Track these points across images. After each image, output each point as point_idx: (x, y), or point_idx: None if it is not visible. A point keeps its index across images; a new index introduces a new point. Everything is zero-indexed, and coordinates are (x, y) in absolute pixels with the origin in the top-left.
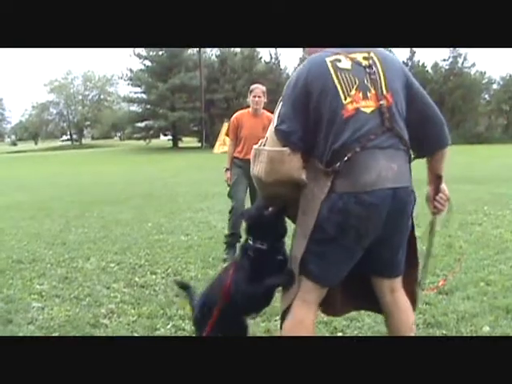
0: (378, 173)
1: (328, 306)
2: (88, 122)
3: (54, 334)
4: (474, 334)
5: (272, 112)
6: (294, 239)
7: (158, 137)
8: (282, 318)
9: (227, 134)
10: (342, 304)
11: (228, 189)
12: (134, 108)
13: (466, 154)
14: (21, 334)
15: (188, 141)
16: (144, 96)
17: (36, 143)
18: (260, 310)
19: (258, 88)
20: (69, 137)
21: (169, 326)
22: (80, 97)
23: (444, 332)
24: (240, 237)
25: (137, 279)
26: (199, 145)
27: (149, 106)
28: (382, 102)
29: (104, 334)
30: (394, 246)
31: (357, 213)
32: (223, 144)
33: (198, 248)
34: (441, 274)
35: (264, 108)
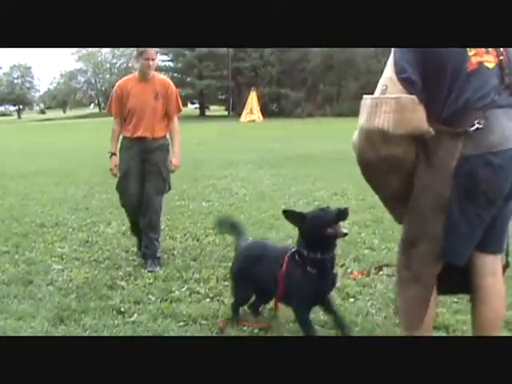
0: (501, 133)
1: None
2: None
3: (71, 296)
4: None
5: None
6: (412, 217)
7: (185, 105)
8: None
9: (110, 111)
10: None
11: (116, 180)
12: (162, 76)
13: None
14: (40, 296)
15: (215, 109)
16: (171, 64)
17: (64, 111)
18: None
19: (152, 49)
20: (97, 105)
21: (184, 289)
22: (108, 65)
23: (455, 300)
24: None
25: None
26: (226, 113)
27: (176, 74)
28: (501, 58)
29: (120, 296)
30: (507, 215)
31: (485, 176)
32: (250, 113)
33: (219, 214)
34: None
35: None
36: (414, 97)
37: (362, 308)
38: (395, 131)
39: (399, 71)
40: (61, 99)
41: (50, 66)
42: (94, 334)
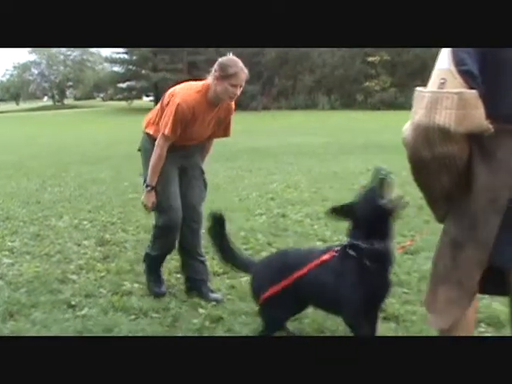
0: None
1: None
2: (70, 83)
3: (21, 290)
4: None
5: None
6: (463, 219)
7: (140, 98)
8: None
9: (167, 130)
10: None
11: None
12: (117, 68)
13: None
14: None
15: None
16: (126, 56)
17: (17, 104)
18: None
19: (244, 74)
20: (51, 97)
21: (136, 285)
22: (62, 57)
23: (405, 290)
24: None
25: (108, 236)
26: None
27: (131, 67)
28: None
29: (71, 290)
30: None
31: None
32: None
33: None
34: (409, 234)
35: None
36: (476, 91)
37: None
38: (457, 129)
39: (459, 63)
40: (14, 91)
41: (2, 57)
42: (44, 329)
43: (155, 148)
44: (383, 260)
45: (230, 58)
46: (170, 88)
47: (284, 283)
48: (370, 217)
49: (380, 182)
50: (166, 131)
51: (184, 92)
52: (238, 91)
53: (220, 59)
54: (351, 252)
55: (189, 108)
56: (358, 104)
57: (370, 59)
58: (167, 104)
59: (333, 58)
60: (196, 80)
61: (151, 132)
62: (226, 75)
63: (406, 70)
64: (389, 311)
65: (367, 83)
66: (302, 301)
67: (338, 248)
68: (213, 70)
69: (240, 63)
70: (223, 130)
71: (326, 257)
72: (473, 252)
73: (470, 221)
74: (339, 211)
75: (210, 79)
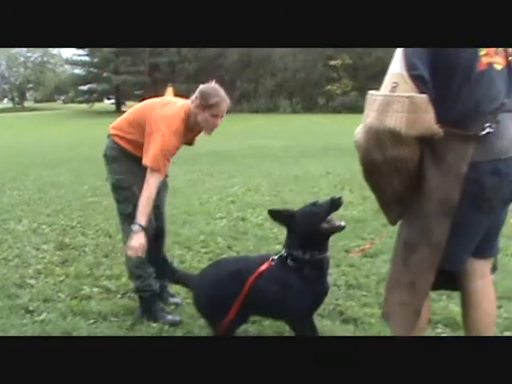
0: (509, 139)
1: None
2: (30, 85)
3: None
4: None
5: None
6: (415, 221)
7: (101, 100)
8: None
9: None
10: None
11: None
12: (78, 71)
13: None
14: None
15: (131, 105)
16: (87, 59)
17: None
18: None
19: (226, 104)
20: (11, 99)
21: (95, 289)
22: (22, 58)
23: (364, 293)
24: None
25: (67, 240)
26: None
27: (92, 69)
28: (511, 59)
29: (29, 295)
30: (501, 220)
31: (492, 184)
32: None
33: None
34: (368, 237)
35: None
36: (426, 96)
37: None
38: (408, 132)
39: (410, 68)
40: None
41: None
42: (1, 334)
43: (147, 186)
44: (322, 268)
45: (212, 86)
46: (130, 90)
47: (239, 302)
48: (310, 235)
49: (329, 203)
50: (162, 171)
51: (169, 123)
52: (219, 121)
53: (202, 87)
54: (291, 263)
55: (178, 141)
56: (320, 107)
57: (332, 63)
58: (151, 133)
59: (294, 61)
60: (157, 82)
61: (127, 148)
62: (206, 105)
63: (367, 73)
64: (348, 314)
65: (329, 87)
66: (246, 311)
67: (275, 257)
68: (194, 96)
69: (222, 92)
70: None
71: (263, 268)
72: (426, 254)
73: (422, 223)
74: (277, 216)
75: (190, 104)
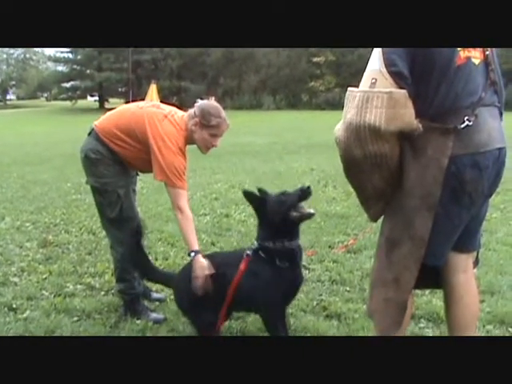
0: (488, 132)
1: None
2: (13, 82)
3: None
4: None
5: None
6: (397, 216)
7: (84, 98)
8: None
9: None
10: None
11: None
12: (61, 68)
13: None
14: None
15: (115, 102)
16: (70, 56)
17: None
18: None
19: (226, 125)
20: None
21: (79, 286)
22: (4, 55)
23: (348, 288)
24: None
25: (50, 238)
26: None
27: (75, 66)
28: (487, 53)
29: (12, 293)
30: (482, 214)
31: (472, 178)
32: None
33: None
34: (352, 233)
35: None
36: (405, 91)
37: None
38: (387, 127)
39: (389, 64)
40: None
41: None
42: None
43: (180, 211)
44: (294, 258)
45: (214, 105)
46: (114, 87)
47: (226, 304)
48: (279, 223)
49: (299, 192)
50: (183, 186)
51: (176, 138)
52: (218, 142)
53: (203, 105)
54: (262, 254)
55: (184, 159)
56: (303, 104)
57: (316, 59)
58: (159, 148)
59: (278, 58)
60: (140, 79)
61: (118, 151)
62: (207, 124)
63: (350, 70)
64: (331, 309)
65: (312, 83)
66: (230, 310)
67: (249, 252)
68: (192, 111)
69: (223, 113)
70: None
71: (243, 267)
72: (409, 249)
73: (405, 218)
74: (250, 198)
75: (186, 119)
